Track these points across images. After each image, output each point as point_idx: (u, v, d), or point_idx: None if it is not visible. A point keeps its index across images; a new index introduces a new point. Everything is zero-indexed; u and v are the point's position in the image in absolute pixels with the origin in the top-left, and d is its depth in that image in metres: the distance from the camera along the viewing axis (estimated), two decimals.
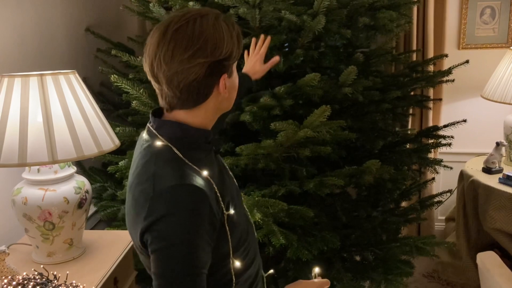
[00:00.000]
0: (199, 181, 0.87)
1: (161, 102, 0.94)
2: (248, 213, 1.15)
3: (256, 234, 1.15)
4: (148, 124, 0.97)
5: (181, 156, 0.90)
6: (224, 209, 0.92)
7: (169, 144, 0.91)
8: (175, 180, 0.86)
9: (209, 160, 0.97)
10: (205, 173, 0.90)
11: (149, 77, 0.92)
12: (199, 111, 0.93)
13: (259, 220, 1.55)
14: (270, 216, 1.63)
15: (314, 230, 1.81)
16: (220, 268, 0.95)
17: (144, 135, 0.97)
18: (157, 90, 0.93)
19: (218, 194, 0.91)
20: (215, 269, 0.93)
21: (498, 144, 2.50)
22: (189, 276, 0.84)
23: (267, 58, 1.82)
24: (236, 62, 0.96)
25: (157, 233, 0.84)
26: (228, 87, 0.94)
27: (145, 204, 0.85)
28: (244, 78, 1.46)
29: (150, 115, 0.97)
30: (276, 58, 1.56)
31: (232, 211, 0.94)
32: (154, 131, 0.94)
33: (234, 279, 0.97)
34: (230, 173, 1.09)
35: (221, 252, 0.93)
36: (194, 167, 0.90)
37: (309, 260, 1.68)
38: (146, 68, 0.91)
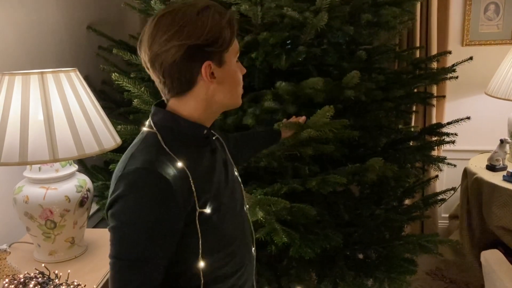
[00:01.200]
0: (168, 171, 0.87)
1: (161, 93, 0.98)
2: (249, 226, 1.13)
3: (253, 249, 1.12)
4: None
5: (163, 144, 0.92)
6: (197, 205, 0.90)
7: (156, 132, 0.94)
8: (143, 163, 0.87)
9: (198, 153, 0.98)
10: (180, 164, 0.90)
11: (144, 67, 0.96)
12: (188, 99, 0.95)
13: (261, 219, 1.55)
14: (273, 214, 1.62)
15: (317, 228, 1.80)
16: (188, 268, 0.93)
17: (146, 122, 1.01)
18: (155, 80, 0.97)
19: (193, 187, 0.90)
20: (183, 268, 0.93)
21: (502, 141, 2.48)
22: (138, 260, 0.85)
23: (270, 56, 1.81)
24: (230, 52, 0.95)
25: (113, 211, 0.86)
26: (217, 76, 0.93)
27: (114, 181, 0.89)
28: (271, 134, 1.56)
29: (153, 105, 1.00)
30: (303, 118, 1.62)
31: (207, 210, 0.92)
32: (150, 118, 0.97)
33: (202, 282, 0.94)
34: (235, 177, 1.09)
35: (189, 250, 0.92)
36: (173, 156, 0.90)
37: (311, 258, 1.67)
38: (141, 59, 0.95)
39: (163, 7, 1.87)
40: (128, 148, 0.95)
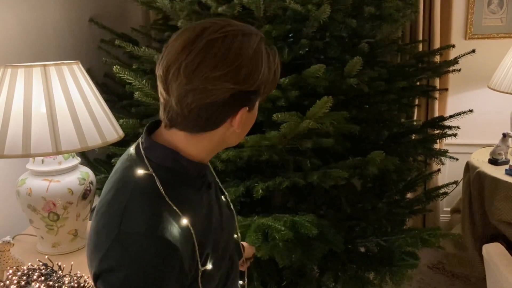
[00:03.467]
0: (174, 232, 0.73)
1: (162, 115, 0.79)
2: (238, 247, 1.05)
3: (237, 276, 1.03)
4: (139, 139, 0.84)
5: (163, 192, 0.76)
6: (200, 264, 0.78)
7: (153, 174, 0.78)
8: (145, 227, 0.72)
9: (197, 199, 0.84)
10: (185, 221, 0.76)
11: (159, 83, 0.77)
12: (202, 139, 0.80)
13: (261, 245, 1.54)
14: (273, 238, 1.60)
15: (319, 234, 1.77)
16: None
17: (132, 150, 0.84)
18: (161, 99, 0.78)
19: (196, 246, 0.77)
20: None
21: (504, 135, 2.48)
22: None
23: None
24: (260, 98, 0.82)
25: (109, 285, 0.72)
26: (243, 122, 0.80)
27: (106, 242, 0.73)
28: None
29: (144, 130, 0.84)
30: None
31: (209, 266, 0.81)
32: (142, 151, 0.81)
33: None
34: (225, 203, 0.98)
35: None
36: (176, 209, 0.76)
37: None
38: (159, 72, 0.76)
39: (165, 0, 1.84)
40: (112, 189, 0.79)
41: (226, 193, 1.03)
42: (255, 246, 1.52)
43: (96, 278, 0.73)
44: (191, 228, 0.77)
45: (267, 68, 0.77)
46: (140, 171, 0.78)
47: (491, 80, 2.61)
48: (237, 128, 0.79)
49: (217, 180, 1.00)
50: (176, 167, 0.80)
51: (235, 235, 1.04)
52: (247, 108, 0.78)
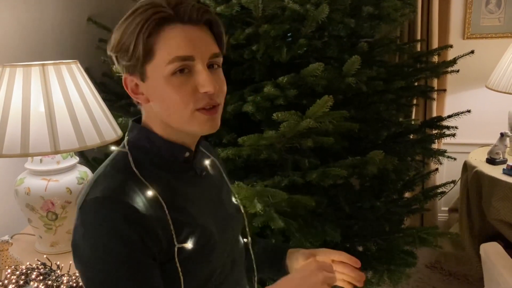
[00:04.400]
0: (136, 199, 0.74)
1: None
2: (239, 249, 0.99)
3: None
4: None
5: (133, 166, 0.79)
6: (175, 239, 0.77)
7: (128, 152, 0.82)
8: (104, 192, 0.74)
9: (177, 180, 0.84)
10: (151, 192, 0.77)
11: None
12: (150, 112, 0.83)
13: (259, 211, 1.55)
14: (271, 206, 1.62)
15: (317, 222, 1.80)
16: None
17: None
18: None
19: (169, 218, 0.77)
20: None
21: (502, 134, 2.49)
22: None
23: (271, 49, 1.81)
24: (157, 65, 0.77)
25: (73, 254, 0.77)
26: (144, 93, 0.80)
27: (76, 215, 0.77)
28: (274, 251, 1.09)
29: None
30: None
31: (189, 245, 0.78)
32: (126, 134, 0.86)
33: None
34: (232, 205, 0.97)
35: None
36: (144, 181, 0.78)
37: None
38: None
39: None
40: (97, 170, 0.83)
41: (236, 196, 1.01)
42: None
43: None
44: (162, 200, 0.77)
45: (131, 29, 0.76)
46: (115, 149, 0.84)
47: (489, 79, 2.61)
48: (137, 98, 0.82)
49: (226, 179, 1.00)
50: (151, 146, 0.83)
51: (244, 239, 1.02)
52: (129, 76, 0.80)
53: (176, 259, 0.77)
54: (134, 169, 0.79)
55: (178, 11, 0.76)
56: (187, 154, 0.85)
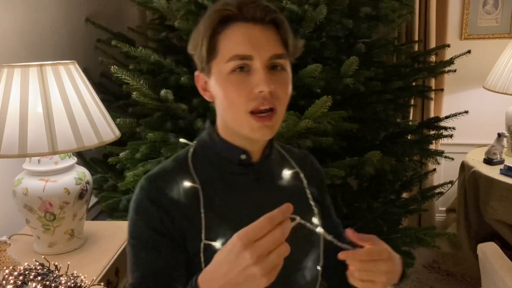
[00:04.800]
0: (172, 187, 0.80)
1: None
2: (300, 277, 0.89)
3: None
4: None
5: (189, 159, 0.85)
6: (203, 234, 0.79)
7: (192, 145, 0.89)
8: (151, 174, 0.83)
9: (229, 183, 0.84)
10: (191, 184, 0.80)
11: None
12: (216, 109, 0.86)
13: None
14: None
15: None
16: None
17: None
18: None
19: (202, 214, 0.80)
20: None
21: (499, 135, 2.49)
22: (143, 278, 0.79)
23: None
24: (220, 62, 0.79)
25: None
26: (210, 90, 0.83)
27: None
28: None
29: None
30: None
31: (217, 245, 0.76)
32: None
33: None
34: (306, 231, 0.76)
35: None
36: (193, 174, 0.82)
37: None
38: None
39: (162, 0, 1.86)
40: None
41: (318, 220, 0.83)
42: None
43: None
44: (201, 195, 0.81)
45: (197, 28, 0.81)
46: (184, 143, 0.91)
47: (486, 80, 2.62)
48: (203, 94, 0.84)
49: (310, 197, 0.90)
50: (210, 144, 0.86)
51: (318, 267, 0.89)
52: (200, 73, 0.83)
53: (202, 254, 0.79)
54: (189, 161, 0.85)
55: (242, 10, 0.77)
56: (243, 156, 0.85)
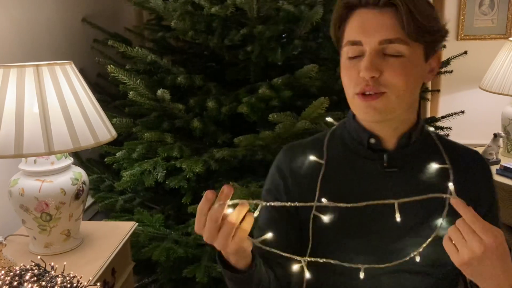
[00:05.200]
0: (298, 158, 0.91)
1: None
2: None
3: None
4: None
5: (326, 137, 0.93)
6: (314, 206, 0.82)
7: (335, 124, 0.96)
8: (284, 145, 0.98)
9: (354, 164, 0.86)
10: (316, 159, 0.88)
11: None
12: None
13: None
14: None
15: None
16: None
17: None
18: None
19: (317, 188, 0.85)
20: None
21: (495, 135, 2.50)
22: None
23: (266, 50, 1.81)
24: (344, 44, 0.83)
25: None
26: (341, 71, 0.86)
27: None
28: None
29: None
30: None
31: (325, 218, 0.80)
32: None
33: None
34: (414, 212, 0.83)
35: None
36: (324, 150, 0.90)
37: None
38: None
39: (158, 0, 1.86)
40: None
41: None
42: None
43: None
44: (322, 171, 0.87)
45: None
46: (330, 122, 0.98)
47: (482, 80, 2.63)
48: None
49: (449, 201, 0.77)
50: (347, 122, 0.92)
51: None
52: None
53: (310, 223, 0.85)
54: (326, 139, 0.92)
55: None
56: (372, 140, 0.85)
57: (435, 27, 0.79)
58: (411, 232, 0.84)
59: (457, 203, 0.69)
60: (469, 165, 0.90)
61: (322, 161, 0.87)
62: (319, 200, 0.80)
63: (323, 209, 0.81)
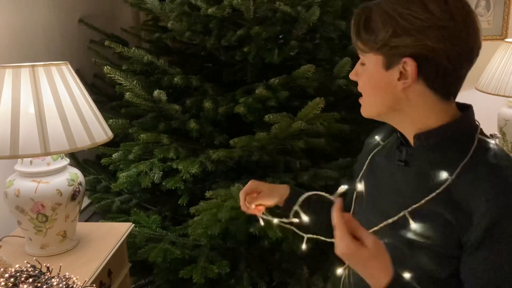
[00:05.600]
0: (374, 135, 1.08)
1: None
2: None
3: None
4: None
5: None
6: (360, 175, 1.04)
7: None
8: None
9: (385, 151, 1.01)
10: (378, 137, 1.06)
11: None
12: None
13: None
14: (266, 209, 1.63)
15: None
16: None
17: None
18: None
19: (367, 160, 1.04)
20: None
21: (492, 136, 2.51)
22: None
23: (263, 51, 1.81)
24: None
25: None
26: None
27: None
28: None
29: None
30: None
31: (359, 186, 1.00)
32: None
33: None
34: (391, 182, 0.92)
35: None
36: (384, 132, 1.06)
37: (303, 253, 1.68)
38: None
39: (156, 0, 1.86)
40: None
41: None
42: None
43: None
44: (380, 142, 1.04)
45: None
46: None
47: (478, 81, 2.64)
48: None
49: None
50: None
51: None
52: None
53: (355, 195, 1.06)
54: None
55: None
56: (398, 134, 0.93)
57: (381, 40, 0.80)
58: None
59: (336, 205, 0.78)
60: (477, 188, 0.78)
61: (382, 143, 1.01)
62: (364, 173, 1.03)
63: (359, 180, 1.04)
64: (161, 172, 1.82)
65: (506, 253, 0.73)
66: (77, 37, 2.21)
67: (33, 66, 1.28)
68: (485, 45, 2.89)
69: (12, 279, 1.15)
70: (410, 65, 0.79)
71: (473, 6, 2.84)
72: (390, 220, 0.87)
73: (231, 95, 1.86)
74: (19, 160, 1.40)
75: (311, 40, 1.90)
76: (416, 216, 0.82)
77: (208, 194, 1.72)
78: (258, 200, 1.14)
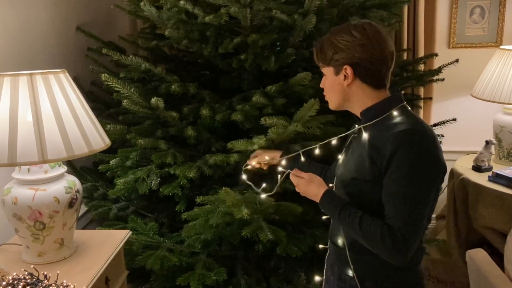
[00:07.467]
0: None
1: None
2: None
3: None
4: None
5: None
6: None
7: None
8: None
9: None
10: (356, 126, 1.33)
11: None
12: None
13: (246, 216, 1.56)
14: (260, 213, 1.63)
15: (305, 228, 1.81)
16: None
17: None
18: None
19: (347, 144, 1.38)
20: None
21: (487, 142, 2.52)
22: None
23: (260, 58, 1.82)
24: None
25: None
26: None
27: None
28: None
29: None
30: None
31: (339, 156, 1.39)
32: None
33: None
34: (347, 164, 1.31)
35: None
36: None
37: (300, 258, 1.69)
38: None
39: (153, 8, 1.88)
40: None
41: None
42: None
43: None
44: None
45: None
46: None
47: (474, 88, 2.66)
48: None
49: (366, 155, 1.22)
50: None
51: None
52: None
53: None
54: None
55: None
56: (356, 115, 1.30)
57: (329, 58, 1.24)
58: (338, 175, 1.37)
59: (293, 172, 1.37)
60: (384, 135, 1.18)
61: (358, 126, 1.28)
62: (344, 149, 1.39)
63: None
64: (159, 178, 1.82)
65: (404, 170, 1.13)
66: (75, 44, 2.22)
67: (31, 74, 1.29)
68: (480, 52, 2.94)
69: (9, 287, 1.15)
70: (349, 70, 1.21)
71: (468, 13, 2.88)
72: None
73: (228, 102, 1.87)
74: (17, 167, 1.40)
75: (307, 48, 1.92)
76: (356, 162, 1.25)
77: (198, 199, 1.72)
78: (258, 158, 1.59)
